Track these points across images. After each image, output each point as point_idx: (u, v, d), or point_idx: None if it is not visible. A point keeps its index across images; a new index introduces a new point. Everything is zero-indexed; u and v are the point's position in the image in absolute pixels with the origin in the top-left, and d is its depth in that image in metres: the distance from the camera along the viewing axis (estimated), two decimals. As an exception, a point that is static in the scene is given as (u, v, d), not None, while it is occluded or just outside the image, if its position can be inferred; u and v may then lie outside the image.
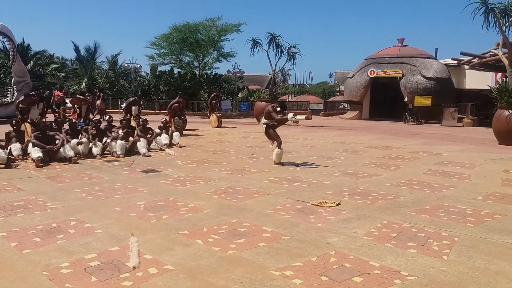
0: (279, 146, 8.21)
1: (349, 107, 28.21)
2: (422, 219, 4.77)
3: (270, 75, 56.66)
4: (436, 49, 39.72)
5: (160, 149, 10.06)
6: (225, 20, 29.22)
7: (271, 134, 8.34)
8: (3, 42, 24.85)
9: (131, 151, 9.26)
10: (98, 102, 19.02)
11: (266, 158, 9.10)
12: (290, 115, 8.19)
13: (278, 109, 8.22)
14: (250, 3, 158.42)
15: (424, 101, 22.20)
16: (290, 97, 48.12)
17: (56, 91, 18.67)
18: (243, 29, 28.46)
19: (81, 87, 27.18)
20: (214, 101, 17.74)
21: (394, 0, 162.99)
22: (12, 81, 18.11)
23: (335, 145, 11.65)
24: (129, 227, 4.30)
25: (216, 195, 5.80)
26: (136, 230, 4.17)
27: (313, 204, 5.30)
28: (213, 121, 17.12)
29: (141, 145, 9.32)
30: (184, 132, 13.53)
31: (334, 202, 5.38)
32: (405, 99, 22.83)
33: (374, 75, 23.82)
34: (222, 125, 17.06)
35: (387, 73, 23.50)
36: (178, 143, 10.98)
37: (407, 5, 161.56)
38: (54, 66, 33.70)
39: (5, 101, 17.26)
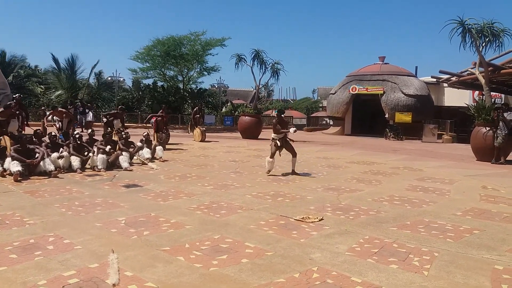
0: (294, 155, 9.27)
1: (331, 123, 28.55)
2: (403, 235, 4.83)
3: (254, 90, 57.04)
4: (416, 67, 40.86)
5: (143, 163, 9.96)
6: (210, 34, 29.48)
7: (285, 146, 9.25)
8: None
9: (113, 165, 9.14)
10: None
11: (249, 173, 9.11)
12: (292, 129, 9.20)
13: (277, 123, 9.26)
14: (234, 19, 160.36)
15: (404, 117, 22.66)
16: (273, 112, 48.49)
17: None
18: (228, 43, 28.81)
19: (54, 98, 26.76)
20: (198, 115, 17.74)
21: (375, 19, 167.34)
22: (-9, 93, 17.76)
23: (318, 160, 11.74)
24: (109, 243, 4.22)
25: (199, 210, 5.76)
26: (116, 246, 4.10)
27: (296, 220, 5.31)
28: (196, 135, 17.07)
29: (123, 159, 9.21)
30: (167, 146, 13.44)
31: (317, 218, 5.41)
32: (386, 116, 23.25)
33: (356, 92, 24.26)
34: (206, 139, 17.02)
35: (368, 90, 23.96)
36: (161, 157, 10.89)
37: (388, 24, 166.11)
38: (36, 81, 33.17)
39: (-17, 113, 16.83)
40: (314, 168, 10.19)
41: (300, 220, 5.29)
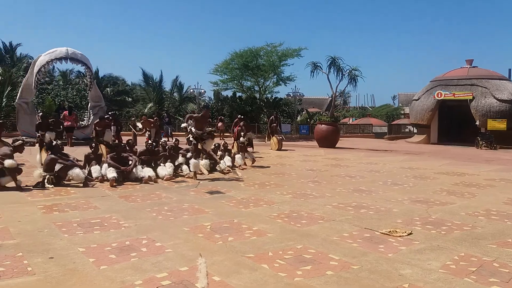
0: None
1: (415, 131, 27.09)
2: (505, 253, 4.39)
3: (330, 98, 56.14)
4: (510, 69, 37.19)
5: (232, 170, 10.11)
6: (286, 45, 29.66)
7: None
8: (81, 70, 26.99)
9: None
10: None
11: (328, 182, 8.95)
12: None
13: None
14: (310, 28, 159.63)
15: (498, 124, 20.78)
16: (350, 120, 47.34)
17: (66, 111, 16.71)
18: (304, 53, 28.67)
19: (146, 111, 28.70)
20: (274, 124, 17.92)
21: (459, 20, 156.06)
22: (89, 105, 19.63)
23: (402, 170, 11.18)
24: (197, 247, 4.39)
25: (279, 219, 5.77)
26: (203, 251, 4.25)
27: (382, 233, 5.09)
28: (273, 144, 17.23)
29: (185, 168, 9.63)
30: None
31: (405, 232, 5.13)
32: (477, 123, 21.53)
33: (442, 98, 22.79)
34: (282, 148, 17.10)
35: (455, 96, 22.39)
36: (240, 165, 11.15)
37: (474, 24, 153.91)
38: (127, 95, 35.94)
39: (82, 124, 18.66)
40: (398, 179, 9.71)
41: (387, 234, 5.05)
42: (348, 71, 20.85)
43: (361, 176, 10.07)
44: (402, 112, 51.04)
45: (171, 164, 9.31)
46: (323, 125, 19.80)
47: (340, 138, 20.76)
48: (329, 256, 4.21)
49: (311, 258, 4.15)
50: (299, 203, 6.80)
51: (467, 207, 6.70)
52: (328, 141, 19.07)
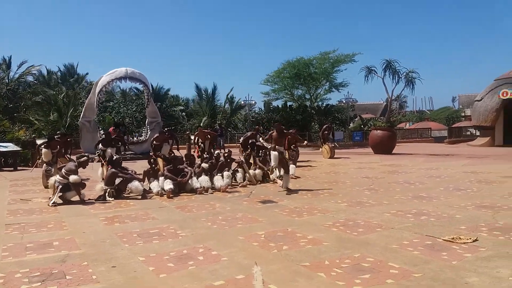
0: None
1: (478, 133, 25.53)
2: None
3: (384, 103, 54.50)
4: None
5: (274, 181, 10.18)
6: (339, 51, 29.22)
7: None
8: (140, 88, 28.32)
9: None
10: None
11: (385, 190, 8.64)
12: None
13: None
14: (364, 32, 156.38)
15: None
16: (407, 124, 45.62)
17: (111, 128, 17.28)
18: (357, 59, 28.08)
19: (201, 124, 29.48)
20: (326, 132, 17.68)
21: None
22: (146, 121, 20.55)
23: (465, 175, 10.54)
24: (252, 256, 4.40)
25: (334, 227, 5.65)
26: (259, 259, 4.25)
27: (445, 240, 4.81)
28: (325, 152, 16.98)
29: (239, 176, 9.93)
30: (297, 164, 13.61)
31: (470, 238, 4.81)
32: (548, 122, 19.85)
33: (508, 97, 21.31)
34: (335, 156, 16.79)
35: (523, 94, 20.83)
36: (293, 174, 11.07)
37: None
38: (179, 107, 37.27)
39: (140, 140, 19.55)
40: (461, 184, 9.17)
41: (449, 241, 4.77)
42: (404, 73, 20.11)
43: (420, 182, 9.63)
44: (463, 114, 48.38)
45: (228, 173, 9.48)
46: (378, 131, 19.22)
47: (397, 144, 20.02)
48: (388, 265, 4.04)
49: (369, 266, 4.01)
50: (355, 212, 6.62)
51: (541, 212, 6.16)
52: (384, 147, 18.45)
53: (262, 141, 9.97)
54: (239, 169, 10.06)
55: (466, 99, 52.91)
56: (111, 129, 17.03)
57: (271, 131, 9.61)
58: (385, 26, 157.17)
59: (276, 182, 9.74)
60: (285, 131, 9.64)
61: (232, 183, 9.60)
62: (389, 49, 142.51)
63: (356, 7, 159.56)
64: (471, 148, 21.86)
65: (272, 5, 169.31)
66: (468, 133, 30.49)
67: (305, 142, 12.21)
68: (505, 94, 21.40)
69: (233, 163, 10.19)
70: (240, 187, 9.46)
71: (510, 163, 13.30)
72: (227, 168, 9.62)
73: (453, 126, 35.79)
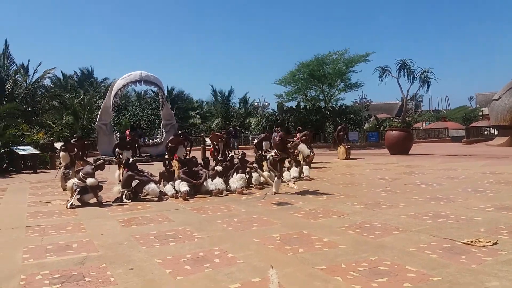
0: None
1: (496, 133, 25.04)
2: None
3: (400, 103, 53.91)
4: None
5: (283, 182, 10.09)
6: (353, 51, 29.05)
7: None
8: (154, 91, 28.61)
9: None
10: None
11: (402, 192, 8.54)
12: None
13: None
14: (378, 32, 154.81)
15: None
16: (424, 124, 45.01)
17: (127, 130, 17.80)
18: (371, 58, 27.83)
19: (214, 126, 29.67)
20: (342, 133, 17.57)
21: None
22: (161, 124, 20.73)
23: (483, 176, 10.35)
24: (268, 259, 4.40)
25: (351, 230, 5.61)
26: (274, 262, 4.25)
27: (463, 243, 4.73)
28: (341, 153, 16.87)
29: (255, 177, 9.83)
30: (312, 165, 13.56)
31: (490, 241, 4.72)
32: None
33: (527, 95, 20.84)
34: (350, 157, 16.67)
35: (543, 92, 20.36)
36: (308, 175, 11.04)
37: None
38: (195, 111, 37.49)
39: (156, 142, 19.74)
40: (479, 185, 9.00)
41: (469, 244, 4.69)
42: (419, 73, 19.87)
43: (438, 183, 9.49)
44: (481, 113, 47.55)
45: (242, 175, 9.49)
46: (394, 131, 19.00)
47: (413, 144, 19.76)
48: (406, 268, 3.99)
49: (386, 270, 3.97)
50: (371, 214, 6.56)
51: None
52: (400, 148, 18.22)
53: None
54: (253, 171, 10.05)
55: (484, 98, 51.98)
56: (127, 131, 17.24)
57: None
58: (401, 25, 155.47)
59: (288, 185, 9.66)
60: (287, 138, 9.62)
61: (249, 185, 9.62)
62: (404, 48, 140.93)
63: (371, 5, 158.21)
64: (489, 148, 21.44)
65: (286, 6, 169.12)
66: (487, 132, 29.92)
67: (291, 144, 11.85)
68: (524, 93, 20.93)
69: (247, 165, 10.19)
70: (255, 189, 9.47)
71: (531, 163, 13.01)
72: (241, 170, 9.64)
73: (470, 125, 35.17)
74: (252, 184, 9.73)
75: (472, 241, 4.77)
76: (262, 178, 9.80)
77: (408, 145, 18.62)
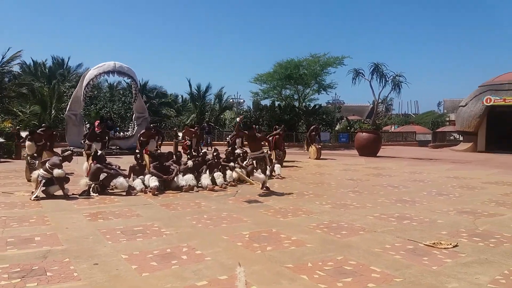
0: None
1: (461, 138, 25.99)
2: None
3: (370, 105, 54.97)
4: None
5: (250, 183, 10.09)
6: (329, 52, 29.33)
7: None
8: (128, 82, 28.03)
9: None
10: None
11: (370, 193, 8.74)
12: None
13: None
14: (353, 35, 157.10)
15: (554, 131, 19.50)
16: (393, 127, 46.13)
17: (97, 121, 16.96)
18: (346, 62, 28.25)
19: (188, 121, 29.36)
20: (314, 133, 17.77)
21: (509, 20, 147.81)
22: (133, 116, 20.34)
23: (448, 180, 10.73)
24: (236, 256, 4.41)
25: (318, 229, 5.69)
26: (242, 260, 4.26)
27: (426, 245, 4.89)
28: (312, 153, 17.08)
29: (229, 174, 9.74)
30: (284, 164, 13.66)
31: (451, 244, 4.91)
32: (530, 129, 20.31)
33: (491, 103, 21.74)
34: (321, 157, 16.91)
35: (506, 101, 21.28)
36: (279, 174, 11.12)
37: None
38: (169, 105, 36.77)
39: (127, 135, 19.36)
40: (443, 189, 9.33)
41: (431, 246, 4.86)
42: (391, 77, 20.33)
43: (404, 186, 9.77)
44: (448, 119, 49.16)
45: (219, 173, 9.42)
46: (364, 133, 19.41)
47: (382, 147, 20.23)
48: (370, 268, 4.09)
49: (352, 270, 4.06)
50: (339, 214, 6.68)
51: (519, 219, 6.32)
52: (369, 150, 18.65)
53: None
54: (227, 168, 9.99)
55: (451, 104, 53.76)
56: (96, 122, 16.80)
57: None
58: (374, 29, 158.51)
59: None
60: (258, 135, 9.55)
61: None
62: (377, 52, 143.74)
63: (346, 9, 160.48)
64: (454, 153, 22.24)
65: (264, 5, 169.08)
66: (452, 137, 30.98)
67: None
68: (488, 101, 21.82)
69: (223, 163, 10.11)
70: (230, 186, 9.38)
71: (491, 169, 13.58)
72: (216, 169, 9.56)
73: (437, 130, 36.31)
74: (227, 181, 9.62)
75: (434, 243, 4.94)
76: (234, 175, 9.75)
77: (377, 147, 19.08)
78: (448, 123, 46.04)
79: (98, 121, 16.93)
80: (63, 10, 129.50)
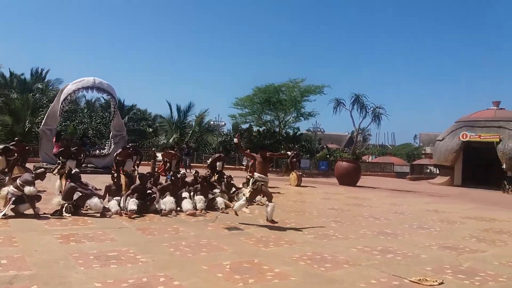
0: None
1: (438, 172, 26.48)
2: (550, 312, 4.03)
3: (349, 134, 55.78)
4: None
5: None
6: (309, 81, 29.79)
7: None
8: (105, 99, 27.64)
9: (209, 206, 9.35)
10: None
11: (351, 223, 8.64)
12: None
13: None
14: (334, 65, 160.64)
15: (526, 168, 20.10)
16: (370, 157, 46.80)
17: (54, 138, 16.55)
18: (326, 91, 28.72)
19: (168, 142, 28.95)
20: (295, 159, 17.75)
21: (486, 61, 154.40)
22: (111, 134, 19.88)
23: (427, 213, 10.76)
24: (216, 289, 4.18)
25: (301, 261, 5.51)
26: (223, 293, 4.04)
27: (411, 281, 4.78)
28: (293, 179, 17.01)
29: (220, 201, 9.44)
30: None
31: (436, 281, 4.81)
32: (504, 166, 20.89)
33: (467, 139, 22.34)
34: (302, 184, 16.83)
35: (481, 137, 21.92)
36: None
37: (502, 67, 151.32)
38: (148, 125, 36.32)
39: (103, 153, 18.84)
40: (424, 222, 9.32)
41: (416, 282, 4.75)
42: (372, 108, 20.73)
43: (385, 217, 9.72)
44: (423, 152, 50.30)
45: (201, 197, 9.12)
46: (344, 162, 19.52)
47: (362, 177, 20.36)
48: (356, 305, 3.93)
49: (337, 306, 3.88)
50: (322, 244, 6.53)
51: (500, 256, 6.31)
52: (349, 179, 18.72)
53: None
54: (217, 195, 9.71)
55: (427, 138, 55.16)
56: (54, 139, 16.20)
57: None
58: (354, 60, 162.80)
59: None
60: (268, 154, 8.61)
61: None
62: (356, 82, 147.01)
63: (328, 39, 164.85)
64: (431, 186, 22.57)
65: (244, 26, 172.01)
66: (428, 170, 31.58)
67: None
68: (464, 136, 22.42)
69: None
70: (221, 212, 9.09)
71: (469, 204, 13.77)
72: (199, 192, 9.29)
73: (414, 163, 37.02)
74: (218, 207, 9.33)
75: (420, 279, 4.84)
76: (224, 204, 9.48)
77: (357, 177, 19.18)
78: (424, 156, 47.08)
79: (55, 138, 16.27)
80: (44, 21, 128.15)
